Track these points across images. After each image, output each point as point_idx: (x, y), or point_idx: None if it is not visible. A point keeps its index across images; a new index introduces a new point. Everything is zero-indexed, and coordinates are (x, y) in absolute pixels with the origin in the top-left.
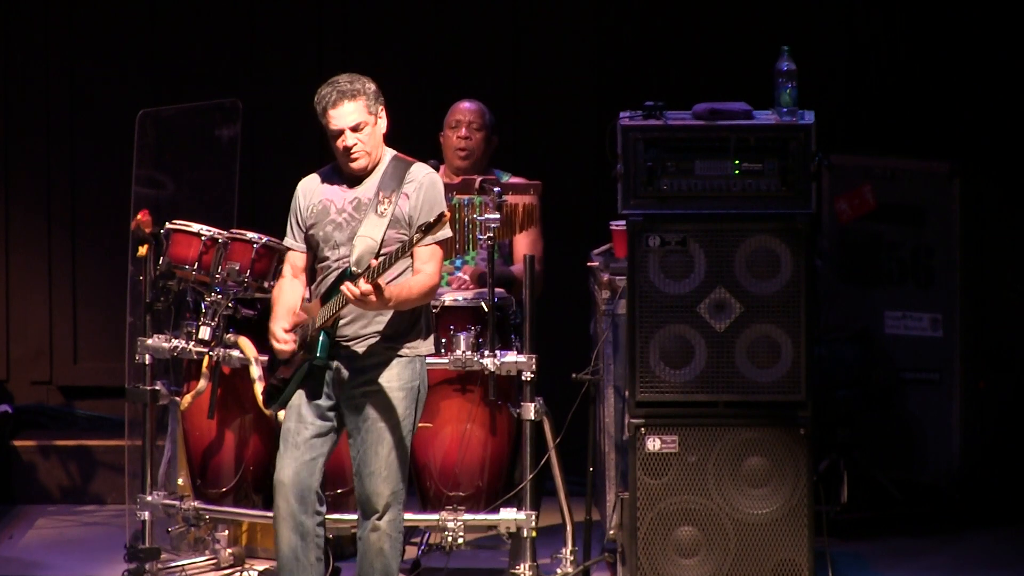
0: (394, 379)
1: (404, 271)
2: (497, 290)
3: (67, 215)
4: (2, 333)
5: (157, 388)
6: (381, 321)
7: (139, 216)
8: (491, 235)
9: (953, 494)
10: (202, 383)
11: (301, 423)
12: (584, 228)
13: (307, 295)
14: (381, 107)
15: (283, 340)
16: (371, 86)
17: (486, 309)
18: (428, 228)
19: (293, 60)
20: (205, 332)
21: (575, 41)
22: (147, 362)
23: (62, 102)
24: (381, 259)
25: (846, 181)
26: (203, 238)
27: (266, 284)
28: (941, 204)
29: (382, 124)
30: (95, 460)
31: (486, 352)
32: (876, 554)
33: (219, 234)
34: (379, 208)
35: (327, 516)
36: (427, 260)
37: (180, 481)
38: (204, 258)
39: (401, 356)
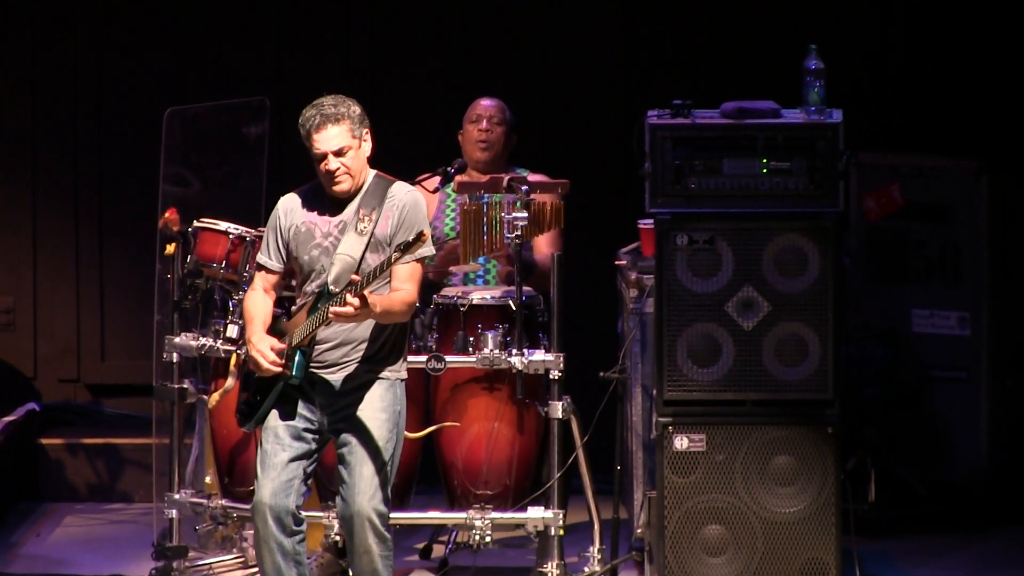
0: (376, 401)
1: (382, 289)
2: (525, 289)
3: (95, 213)
4: (30, 331)
5: (185, 386)
6: (363, 347)
7: (167, 214)
8: (519, 234)
9: (980, 492)
10: (230, 381)
11: (278, 444)
12: (612, 227)
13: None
14: (366, 130)
15: (273, 362)
16: (356, 109)
17: (514, 308)
18: (407, 247)
19: (321, 58)
20: (233, 330)
21: (602, 40)
22: (175, 360)
23: (90, 100)
24: (363, 275)
25: (874, 179)
26: (231, 236)
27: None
28: (968, 202)
29: (366, 147)
30: (123, 458)
31: (514, 351)
32: (903, 552)
33: (247, 232)
34: (359, 226)
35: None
36: (406, 279)
37: (208, 479)
38: (232, 256)
39: (382, 379)
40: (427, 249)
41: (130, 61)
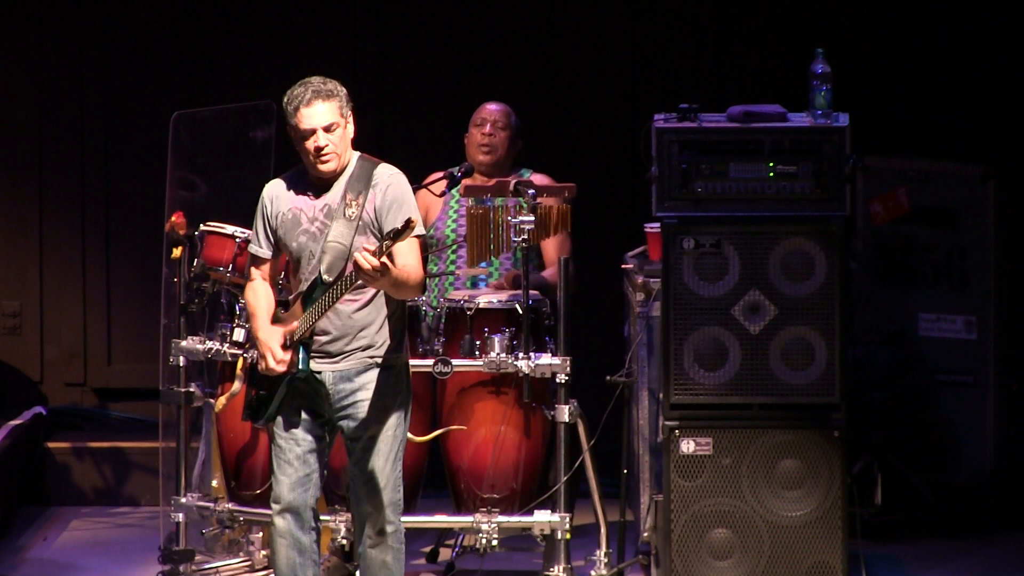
0: (382, 388)
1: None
2: (531, 292)
3: (101, 217)
4: (36, 335)
5: (191, 390)
6: (364, 336)
7: (173, 218)
8: (525, 237)
9: (987, 496)
10: (236, 385)
11: (292, 440)
12: (618, 230)
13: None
14: (351, 112)
15: (281, 360)
16: (343, 89)
17: (520, 311)
18: (397, 235)
19: (327, 62)
20: (239, 334)
21: (610, 43)
22: (181, 364)
23: (96, 104)
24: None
25: (880, 183)
26: (237, 240)
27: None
28: (975, 206)
29: (351, 129)
30: (129, 462)
31: (520, 354)
32: (910, 556)
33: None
34: (347, 212)
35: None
36: (407, 253)
37: (214, 483)
38: (238, 260)
39: (385, 366)
40: (419, 229)
41: (137, 64)
